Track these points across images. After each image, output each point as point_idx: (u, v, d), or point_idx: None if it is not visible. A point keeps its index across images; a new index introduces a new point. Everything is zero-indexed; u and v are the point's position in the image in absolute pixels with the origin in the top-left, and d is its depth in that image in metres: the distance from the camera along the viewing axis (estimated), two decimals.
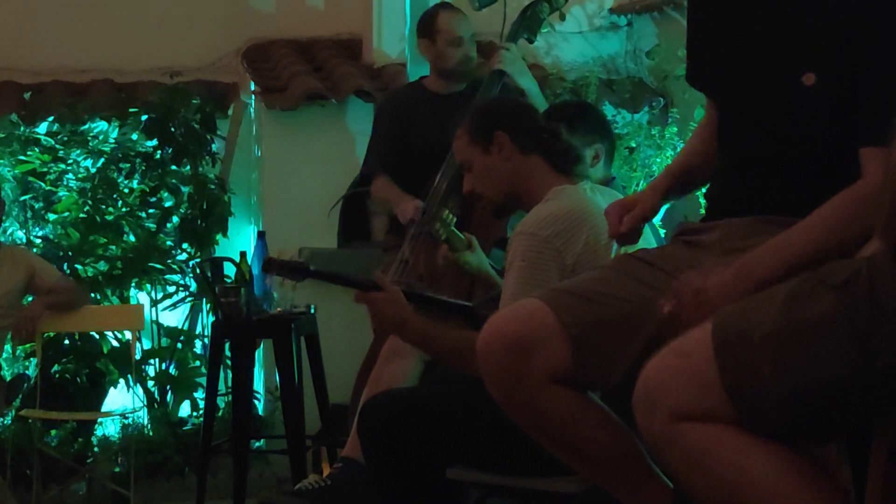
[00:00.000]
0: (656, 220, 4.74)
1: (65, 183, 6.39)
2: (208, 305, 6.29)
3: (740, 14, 2.39)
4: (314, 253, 6.12)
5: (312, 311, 4.92)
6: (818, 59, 2.28)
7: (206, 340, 6.31)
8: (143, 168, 6.38)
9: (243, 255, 4.80)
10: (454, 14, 4.86)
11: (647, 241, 2.85)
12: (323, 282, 3.35)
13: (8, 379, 5.87)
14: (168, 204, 6.40)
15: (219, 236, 6.39)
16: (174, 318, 6.49)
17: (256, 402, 6.02)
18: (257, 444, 5.96)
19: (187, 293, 6.40)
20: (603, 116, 4.18)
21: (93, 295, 6.08)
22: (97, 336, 6.18)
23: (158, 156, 6.36)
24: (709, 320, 1.90)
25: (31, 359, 6.04)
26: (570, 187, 3.07)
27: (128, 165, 6.39)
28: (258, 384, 6.08)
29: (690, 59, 2.55)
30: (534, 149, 3.11)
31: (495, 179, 3.14)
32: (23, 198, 6.34)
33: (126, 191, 6.42)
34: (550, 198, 3.04)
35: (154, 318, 6.40)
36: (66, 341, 6.16)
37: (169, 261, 6.35)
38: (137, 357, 6.03)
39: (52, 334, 5.94)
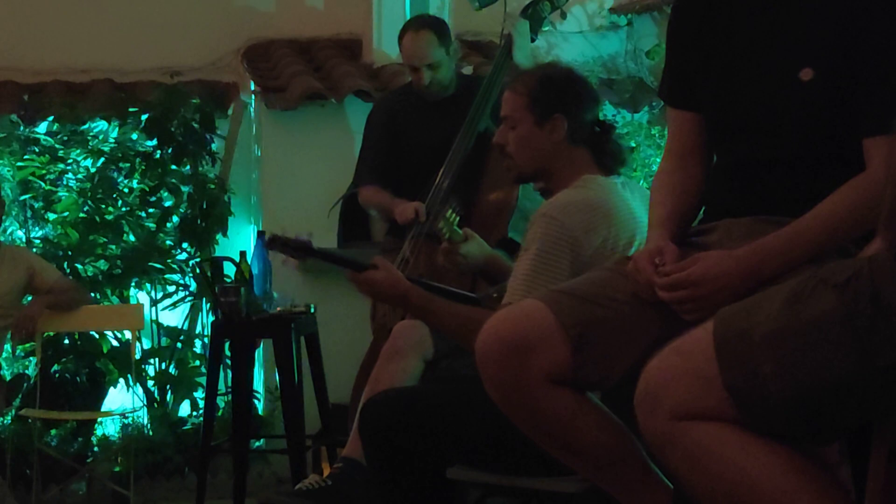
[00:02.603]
0: None
1: (64, 183, 6.39)
2: (208, 305, 6.29)
3: (730, 19, 2.39)
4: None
5: (312, 310, 4.92)
6: (815, 54, 2.28)
7: (206, 340, 6.31)
8: (143, 168, 6.38)
9: (243, 254, 4.80)
10: (416, 38, 4.69)
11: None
12: (324, 262, 3.38)
13: (8, 379, 5.87)
14: (168, 204, 6.40)
15: (219, 236, 6.40)
16: (174, 317, 6.49)
17: (256, 401, 6.02)
18: (257, 444, 5.96)
19: (187, 293, 6.40)
20: None
21: (93, 295, 6.08)
22: (97, 336, 6.19)
23: (158, 155, 6.36)
24: (710, 320, 1.90)
25: (31, 358, 6.04)
26: (601, 178, 3.04)
27: (127, 165, 6.39)
28: (258, 384, 6.08)
29: (672, 78, 2.54)
30: (583, 142, 3.07)
31: (534, 153, 3.08)
32: (22, 197, 6.34)
33: (126, 190, 6.42)
34: (580, 185, 3.01)
35: (154, 317, 6.40)
36: (66, 341, 6.16)
37: (169, 260, 6.36)
38: (137, 357, 6.03)
39: (51, 334, 5.94)
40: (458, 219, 3.63)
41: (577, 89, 3.12)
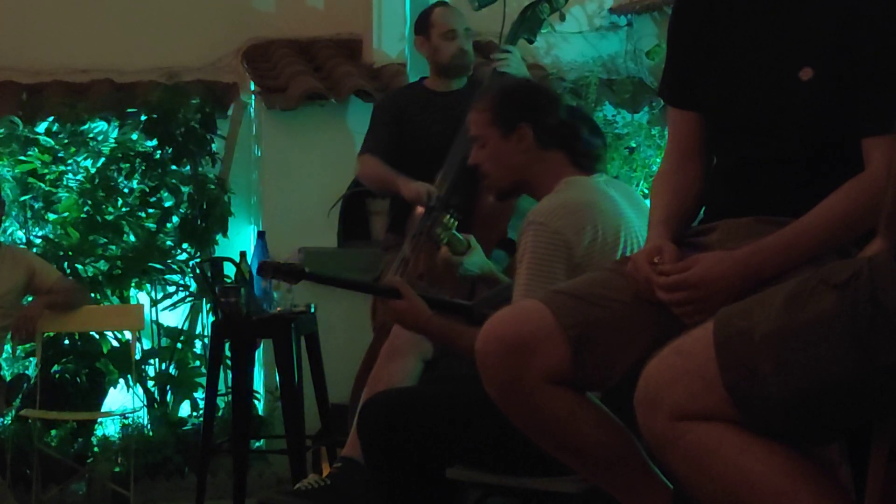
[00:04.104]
0: None
1: (65, 183, 6.39)
2: (208, 305, 6.29)
3: (730, 19, 2.39)
4: (313, 252, 6.12)
5: (312, 310, 4.92)
6: (815, 54, 2.28)
7: (206, 340, 6.31)
8: (143, 168, 6.38)
9: (243, 255, 4.80)
10: (448, 9, 4.91)
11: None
12: (320, 284, 3.36)
13: (8, 379, 5.87)
14: (168, 204, 6.40)
15: (219, 236, 6.39)
16: (174, 318, 6.49)
17: (256, 402, 6.02)
18: (257, 444, 5.96)
19: (187, 293, 6.40)
20: (589, 117, 4.18)
21: (93, 295, 6.08)
22: (97, 336, 6.18)
23: (158, 156, 6.36)
24: (710, 320, 1.90)
25: (31, 359, 6.04)
26: (582, 178, 3.05)
27: (128, 165, 6.39)
28: (258, 384, 6.08)
29: (673, 78, 2.54)
30: (553, 144, 3.09)
31: (507, 166, 3.11)
32: (22, 198, 6.34)
33: (126, 191, 6.42)
34: (562, 188, 3.02)
35: (154, 318, 6.40)
36: (66, 341, 6.16)
37: (169, 261, 6.36)
38: (137, 357, 6.03)
39: (52, 334, 5.94)
40: (456, 224, 3.62)
41: (536, 95, 3.16)
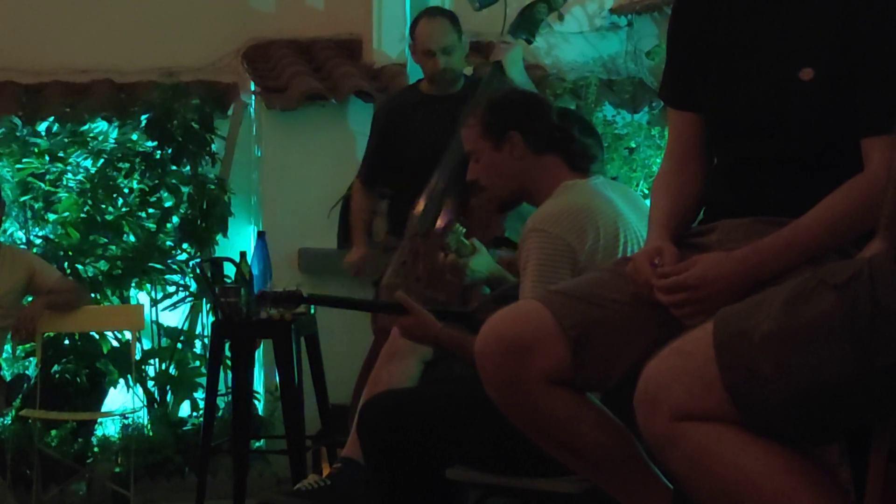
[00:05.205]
0: None
1: (64, 183, 6.39)
2: (208, 305, 6.29)
3: (730, 19, 2.39)
4: (312, 254, 6.14)
5: (312, 311, 4.92)
6: (815, 54, 2.28)
7: (206, 340, 6.31)
8: (143, 168, 6.38)
9: (243, 255, 4.80)
10: (431, 23, 4.82)
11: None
12: (319, 306, 3.37)
13: (8, 379, 5.87)
14: (168, 204, 6.40)
15: (219, 236, 6.40)
16: (174, 318, 6.49)
17: (256, 402, 6.02)
18: (257, 444, 5.96)
19: (187, 293, 6.40)
20: (581, 118, 4.17)
21: (93, 295, 6.08)
22: (97, 336, 6.18)
23: (158, 156, 6.36)
24: (710, 321, 1.90)
25: (32, 359, 6.04)
26: (580, 182, 3.06)
27: (127, 165, 6.39)
28: (258, 384, 6.08)
29: (673, 78, 2.54)
30: (547, 149, 3.09)
31: (503, 176, 3.12)
32: (22, 198, 6.34)
33: (126, 191, 6.42)
34: (560, 193, 3.03)
35: (154, 318, 6.40)
36: (66, 341, 6.16)
37: (169, 261, 6.36)
38: (137, 357, 6.03)
39: (52, 334, 5.94)
40: (464, 231, 3.63)
41: (522, 101, 3.18)
